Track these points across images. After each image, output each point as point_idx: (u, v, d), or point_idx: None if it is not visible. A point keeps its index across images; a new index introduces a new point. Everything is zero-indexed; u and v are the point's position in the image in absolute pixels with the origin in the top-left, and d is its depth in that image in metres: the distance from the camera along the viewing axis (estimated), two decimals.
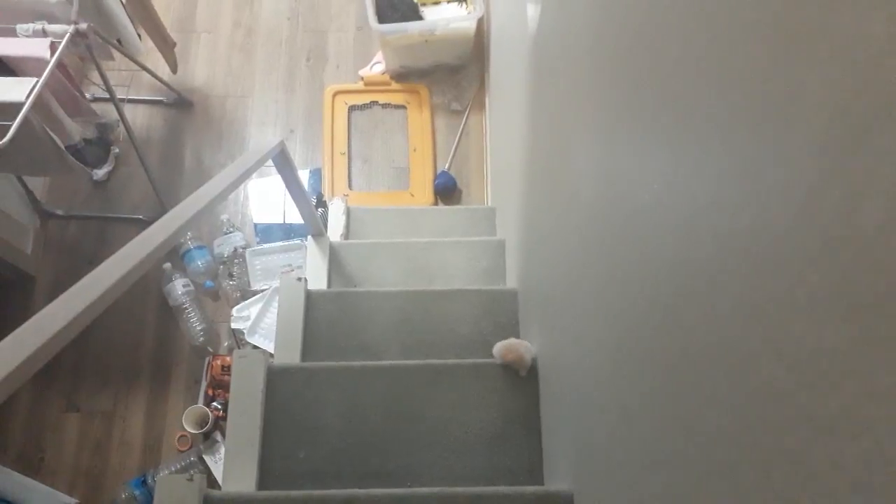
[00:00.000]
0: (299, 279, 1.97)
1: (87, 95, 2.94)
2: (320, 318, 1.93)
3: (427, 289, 2.00)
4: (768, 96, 0.54)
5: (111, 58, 2.55)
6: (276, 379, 1.63)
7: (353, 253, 2.32)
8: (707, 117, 0.66)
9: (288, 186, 2.03)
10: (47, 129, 2.28)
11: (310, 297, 1.97)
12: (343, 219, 2.60)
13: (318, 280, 2.24)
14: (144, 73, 2.83)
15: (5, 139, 2.02)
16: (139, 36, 2.70)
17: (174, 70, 2.95)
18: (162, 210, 2.83)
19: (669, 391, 0.78)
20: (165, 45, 2.87)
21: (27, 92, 2.09)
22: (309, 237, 2.33)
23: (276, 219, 2.91)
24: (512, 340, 1.69)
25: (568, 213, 1.30)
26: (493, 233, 2.58)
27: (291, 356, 1.81)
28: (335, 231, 2.58)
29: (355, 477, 1.54)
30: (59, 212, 2.89)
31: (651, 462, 0.84)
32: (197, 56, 3.19)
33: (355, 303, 1.97)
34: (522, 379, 1.63)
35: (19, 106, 2.08)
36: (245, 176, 1.62)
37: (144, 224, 2.86)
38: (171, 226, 1.22)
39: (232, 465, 1.49)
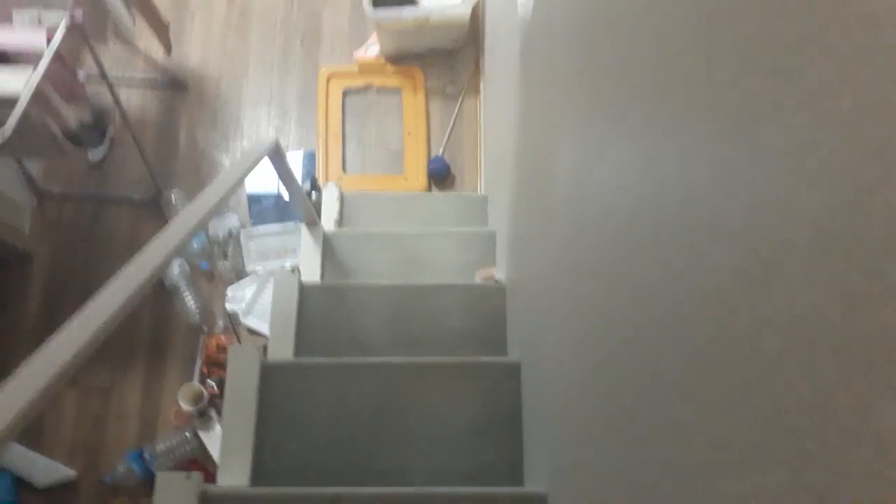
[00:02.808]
0: (293, 271, 2.03)
1: (81, 74, 2.96)
2: (314, 310, 1.99)
3: (418, 283, 2.06)
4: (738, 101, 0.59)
5: (105, 41, 2.58)
6: (270, 374, 1.70)
7: (346, 242, 2.37)
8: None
9: (283, 181, 2.07)
10: (44, 117, 2.31)
11: (303, 289, 2.03)
12: (337, 205, 2.65)
13: (311, 269, 2.29)
14: (138, 54, 2.84)
15: (6, 133, 2.06)
16: (133, 18, 2.72)
17: (168, 51, 2.96)
18: (156, 191, 2.88)
19: (641, 402, 0.83)
20: (159, 26, 2.89)
21: (25, 83, 2.12)
22: (303, 226, 2.37)
23: (270, 189, 2.93)
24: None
25: (551, 216, 1.35)
26: (485, 221, 2.63)
27: (285, 348, 1.88)
28: (329, 217, 2.63)
29: (345, 471, 1.63)
30: (56, 191, 2.93)
31: (621, 470, 0.90)
32: (191, 36, 3.19)
33: (348, 296, 2.04)
34: (506, 379, 1.70)
35: (17, 98, 2.10)
36: (243, 178, 1.67)
37: (138, 205, 2.93)
38: (174, 236, 1.27)
39: (227, 458, 1.57)
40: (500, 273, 2.18)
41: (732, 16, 0.60)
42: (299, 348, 1.93)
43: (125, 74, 3.08)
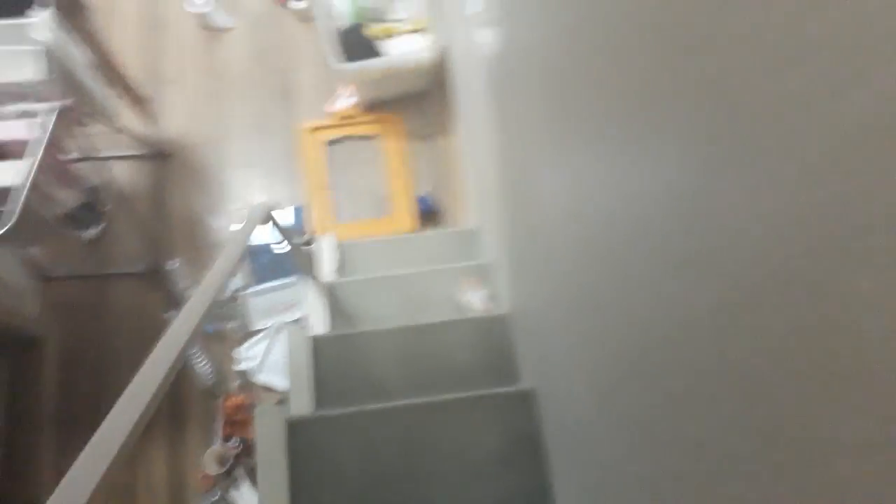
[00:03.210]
0: (302, 326, 2.12)
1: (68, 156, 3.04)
2: (327, 360, 2.08)
3: (424, 322, 2.15)
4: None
5: (88, 125, 2.67)
6: (297, 430, 1.77)
7: (349, 290, 2.46)
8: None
9: (283, 237, 2.16)
10: (39, 206, 2.39)
11: (315, 341, 2.12)
12: (336, 254, 2.74)
13: (319, 320, 2.38)
14: (121, 130, 2.92)
15: (10, 223, 2.14)
16: (113, 99, 2.80)
17: (153, 122, 3.05)
18: (158, 260, 2.95)
19: (655, 421, 0.90)
20: (139, 102, 2.98)
21: (26, 173, 2.20)
22: (308, 279, 2.46)
23: (264, 241, 3.02)
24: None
25: (547, 243, 1.43)
26: (477, 253, 2.73)
27: (305, 401, 1.96)
28: (329, 267, 2.72)
29: None
30: (60, 273, 3.00)
31: (642, 487, 0.98)
32: (170, 106, 3.29)
33: (358, 342, 2.12)
34: (522, 406, 1.79)
35: (16, 190, 2.18)
36: (243, 250, 1.76)
37: (140, 277, 3.00)
38: (191, 320, 1.34)
39: None
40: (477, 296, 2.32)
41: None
42: (319, 399, 2.01)
43: (111, 153, 3.17)
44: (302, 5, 3.37)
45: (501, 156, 1.90)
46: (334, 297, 2.44)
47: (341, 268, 2.74)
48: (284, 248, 2.25)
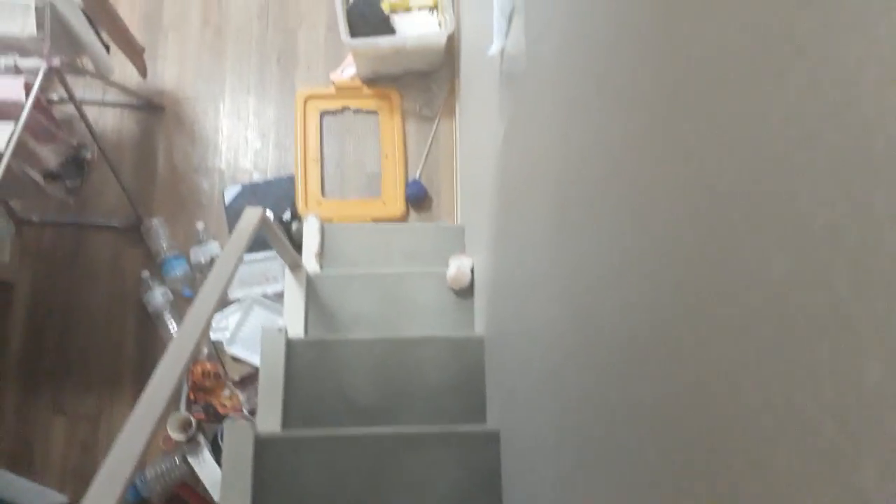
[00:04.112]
0: (280, 330, 2.11)
1: (54, 98, 2.94)
2: (301, 367, 2.08)
3: (401, 336, 2.15)
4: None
5: (80, 73, 2.57)
6: (264, 447, 1.79)
7: (329, 285, 2.44)
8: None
9: (271, 242, 2.13)
10: (24, 166, 2.32)
11: (290, 345, 2.11)
12: (317, 237, 2.71)
13: (296, 313, 2.37)
14: (114, 79, 2.82)
15: None
16: (108, 47, 2.69)
17: (144, 75, 2.95)
18: (136, 218, 2.90)
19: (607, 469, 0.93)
20: (133, 52, 2.86)
21: (6, 140, 2.12)
22: (286, 270, 2.44)
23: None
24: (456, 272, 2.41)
25: (521, 278, 1.43)
26: (462, 252, 2.71)
27: (276, 416, 1.97)
28: (310, 250, 2.69)
29: None
30: (34, 218, 2.94)
31: None
32: (165, 56, 3.17)
33: (333, 352, 2.12)
34: (485, 446, 1.82)
35: None
36: (241, 256, 1.74)
37: (119, 231, 2.95)
38: (193, 334, 1.34)
39: None
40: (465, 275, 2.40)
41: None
42: (289, 411, 2.02)
43: (101, 98, 3.07)
44: None
45: (501, 164, 1.84)
46: (314, 291, 2.43)
47: (322, 251, 2.71)
48: (272, 245, 2.21)
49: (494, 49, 1.69)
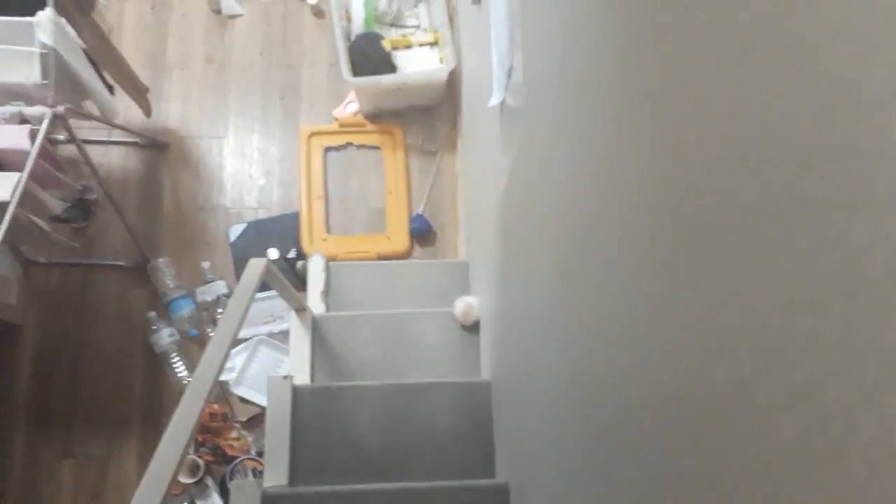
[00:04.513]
0: (285, 377, 2.10)
1: (60, 138, 2.95)
2: (308, 416, 2.07)
3: (408, 382, 2.15)
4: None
5: (84, 116, 2.58)
6: None
7: (335, 326, 2.44)
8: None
9: (274, 287, 2.13)
10: (30, 215, 2.33)
11: (296, 393, 2.11)
12: (323, 275, 2.71)
13: (302, 357, 2.37)
14: (119, 114, 2.84)
15: None
16: (111, 88, 2.70)
17: (148, 114, 2.96)
18: (145, 254, 2.91)
19: None
20: (137, 92, 2.88)
21: (12, 190, 2.13)
22: (291, 313, 2.44)
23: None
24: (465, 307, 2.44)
25: (526, 330, 1.42)
26: (466, 288, 2.71)
27: (281, 464, 1.96)
28: (315, 288, 2.69)
29: None
30: (41, 260, 2.95)
31: None
32: (170, 94, 3.18)
33: (340, 398, 2.12)
34: (495, 500, 1.81)
35: (4, 204, 2.12)
36: (249, 305, 1.75)
37: (126, 271, 2.95)
38: (201, 395, 1.35)
39: None
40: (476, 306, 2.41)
41: None
42: (295, 456, 2.02)
43: (107, 137, 3.08)
44: None
45: (503, 199, 1.83)
46: (319, 333, 2.43)
47: (328, 290, 2.71)
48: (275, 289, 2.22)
49: (494, 101, 1.69)
